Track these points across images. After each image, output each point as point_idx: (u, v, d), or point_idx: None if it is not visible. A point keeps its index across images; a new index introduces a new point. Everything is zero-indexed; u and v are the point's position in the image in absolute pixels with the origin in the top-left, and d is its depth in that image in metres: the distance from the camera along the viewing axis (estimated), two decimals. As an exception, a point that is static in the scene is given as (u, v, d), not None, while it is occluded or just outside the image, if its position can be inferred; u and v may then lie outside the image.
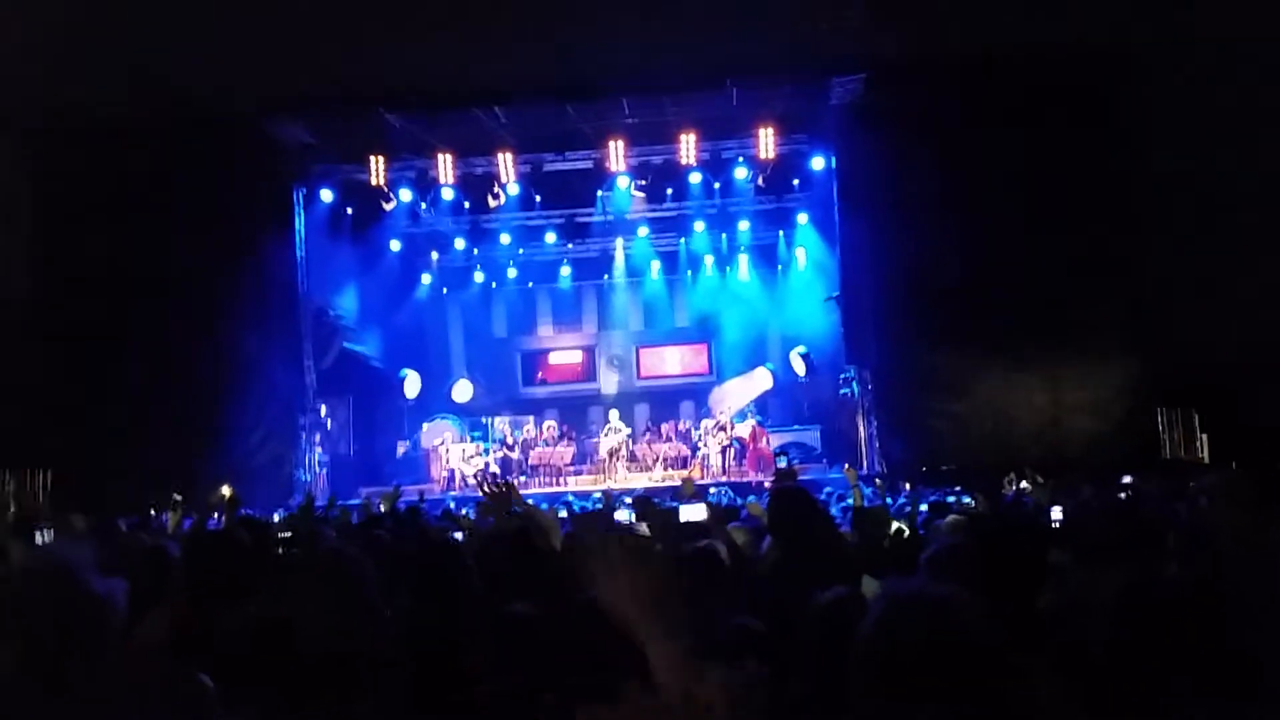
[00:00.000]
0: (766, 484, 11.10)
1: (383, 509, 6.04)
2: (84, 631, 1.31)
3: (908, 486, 10.75)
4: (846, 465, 8.24)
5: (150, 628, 2.28)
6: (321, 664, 1.70)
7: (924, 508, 6.50)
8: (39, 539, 4.31)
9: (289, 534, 4.83)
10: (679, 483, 13.87)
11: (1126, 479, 8.43)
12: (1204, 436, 12.71)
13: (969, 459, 12.29)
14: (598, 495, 10.70)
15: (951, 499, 7.72)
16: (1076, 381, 13.31)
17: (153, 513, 7.76)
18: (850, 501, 6.08)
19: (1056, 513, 5.08)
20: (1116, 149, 13.09)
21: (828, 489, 9.14)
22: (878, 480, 10.17)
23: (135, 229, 13.29)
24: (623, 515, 5.90)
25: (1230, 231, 11.49)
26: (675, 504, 5.60)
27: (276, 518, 7.88)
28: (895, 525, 4.78)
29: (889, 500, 8.01)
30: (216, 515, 5.68)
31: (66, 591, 1.31)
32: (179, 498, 6.81)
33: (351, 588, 1.77)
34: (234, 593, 2.53)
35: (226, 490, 8.28)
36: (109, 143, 13.27)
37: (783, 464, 10.08)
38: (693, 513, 5.14)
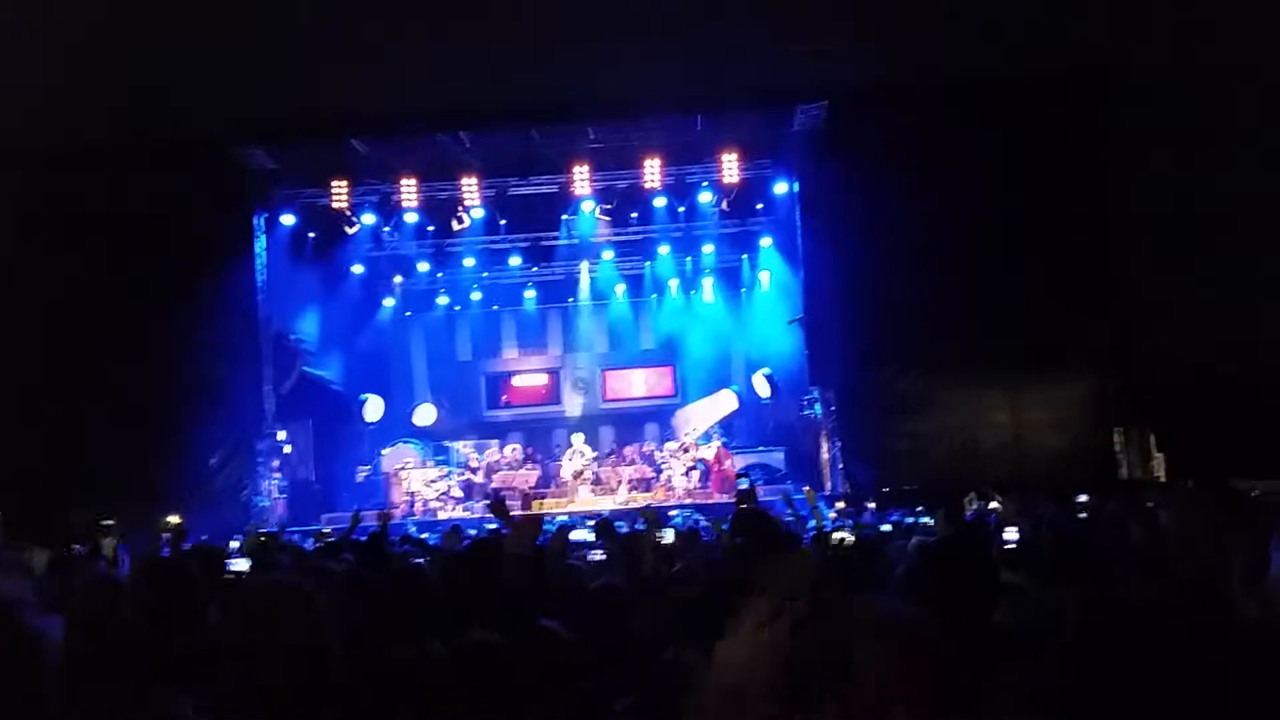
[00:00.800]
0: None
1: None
2: (19, 670, 1.28)
3: (872, 506, 10.82)
4: (807, 488, 8.29)
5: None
6: (269, 694, 1.68)
7: (886, 527, 6.55)
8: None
9: (243, 561, 4.75)
10: (643, 505, 13.84)
11: (1083, 498, 8.55)
12: (1160, 456, 12.93)
13: (931, 479, 12.40)
14: (563, 517, 10.64)
15: (910, 520, 7.78)
16: (1037, 401, 13.51)
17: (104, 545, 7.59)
18: (812, 522, 6.12)
19: (1011, 533, 5.13)
20: (1077, 174, 13.37)
21: (789, 512, 9.16)
22: (840, 502, 10.22)
23: (93, 251, 13.10)
24: (581, 534, 5.91)
25: (1190, 253, 11.75)
26: (638, 528, 5.60)
27: (234, 544, 7.75)
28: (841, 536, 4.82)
29: (850, 521, 8.04)
30: (163, 543, 5.58)
31: (3, 629, 1.29)
32: (109, 523, 6.67)
33: (298, 619, 1.74)
34: (181, 623, 2.48)
35: (174, 519, 8.13)
36: (68, 164, 13.10)
37: (744, 485, 10.09)
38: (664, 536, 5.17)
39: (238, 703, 1.72)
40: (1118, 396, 13.22)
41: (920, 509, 8.95)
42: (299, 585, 1.81)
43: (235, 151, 13.51)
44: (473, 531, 9.67)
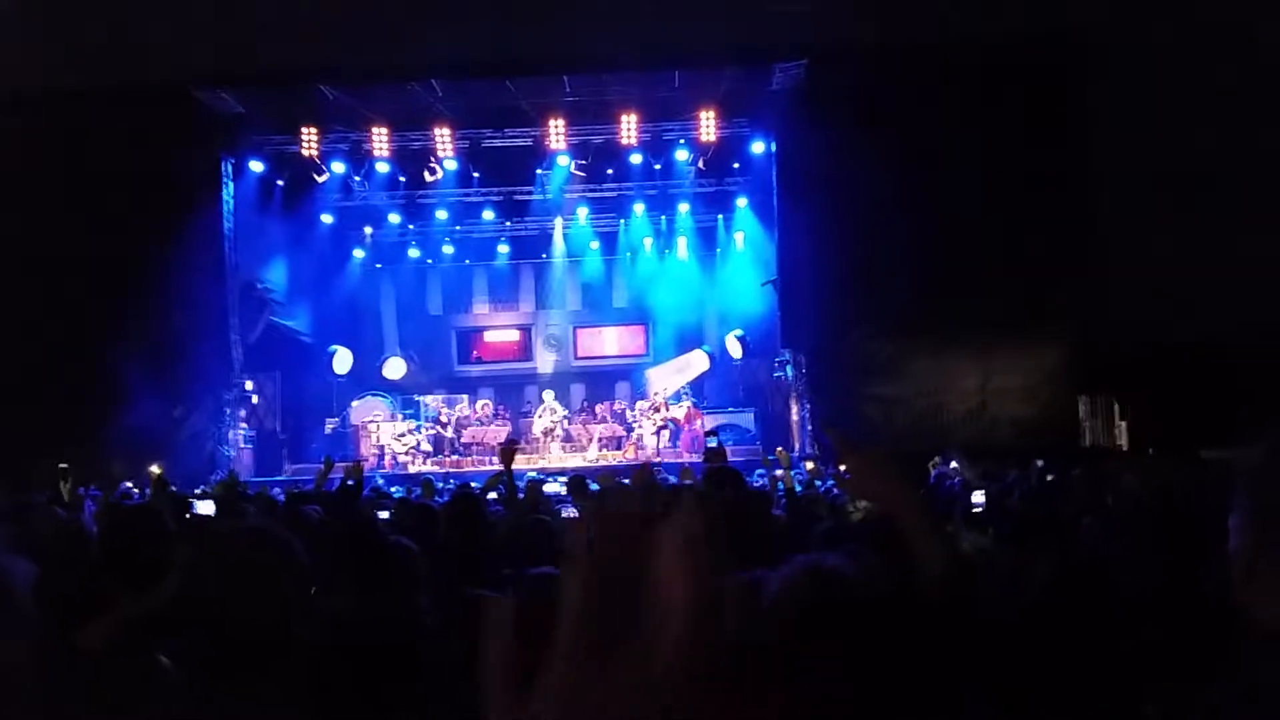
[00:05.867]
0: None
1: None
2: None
3: (841, 468, 10.91)
4: (779, 449, 8.33)
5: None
6: (243, 646, 1.65)
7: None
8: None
9: (209, 510, 4.70)
10: (613, 463, 13.89)
11: (1046, 464, 8.67)
12: (1123, 424, 13.14)
13: (898, 442, 12.53)
14: (533, 473, 10.64)
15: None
16: (1004, 367, 13.66)
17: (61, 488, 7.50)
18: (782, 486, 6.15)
19: (978, 497, 5.19)
20: (1055, 141, 13.40)
21: (759, 471, 9.21)
22: (809, 464, 10.30)
23: (56, 197, 12.78)
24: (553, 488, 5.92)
25: (1161, 223, 11.85)
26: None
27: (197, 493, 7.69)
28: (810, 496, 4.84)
29: (819, 484, 8.11)
30: (139, 492, 5.52)
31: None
32: (64, 466, 6.59)
33: (278, 567, 1.71)
34: (152, 570, 2.44)
35: (155, 469, 8.06)
36: (29, 109, 12.71)
37: (712, 443, 10.11)
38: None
39: (209, 650, 1.69)
40: (1083, 365, 13.39)
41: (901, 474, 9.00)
42: (277, 532, 1.77)
43: (201, 95, 13.17)
44: (441, 485, 9.65)
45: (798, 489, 5.63)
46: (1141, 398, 12.64)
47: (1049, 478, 6.77)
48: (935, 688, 1.68)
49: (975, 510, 5.16)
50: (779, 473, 5.93)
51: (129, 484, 9.64)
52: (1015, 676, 2.70)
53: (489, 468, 14.80)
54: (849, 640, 1.39)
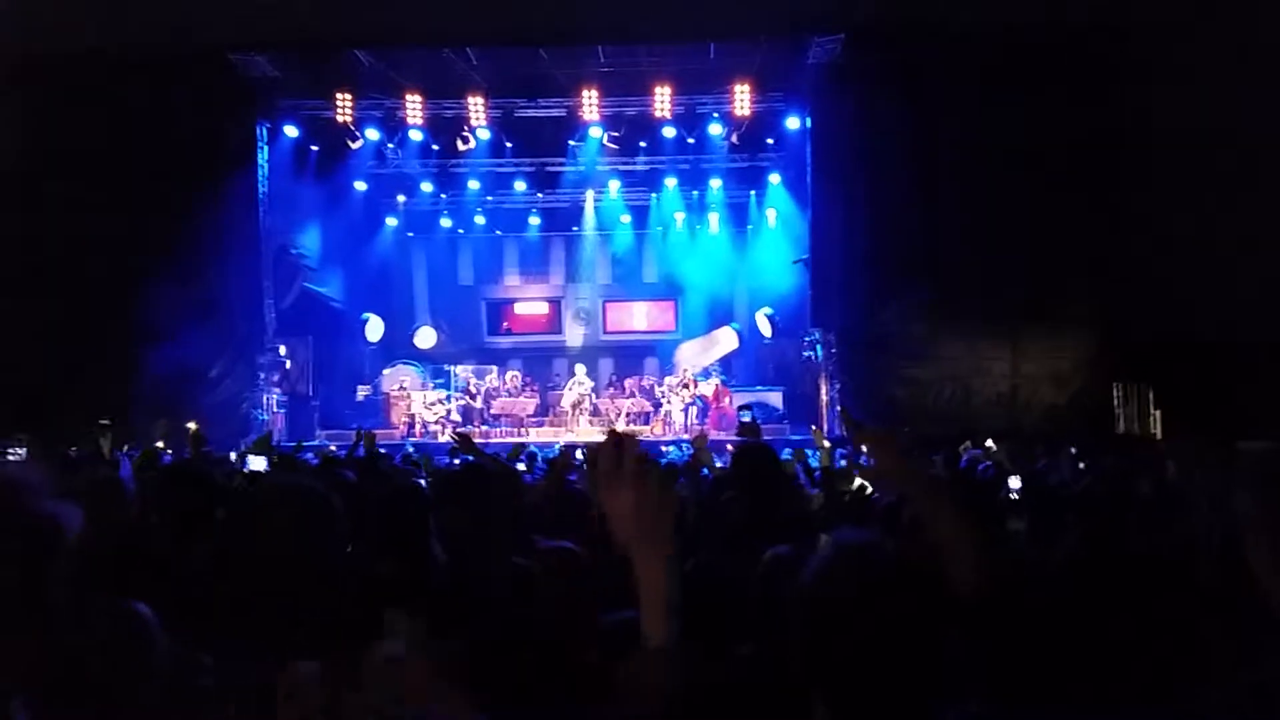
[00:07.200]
0: (729, 446, 11.17)
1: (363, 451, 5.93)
2: (34, 551, 1.25)
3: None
4: (813, 426, 8.29)
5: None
6: (286, 601, 1.66)
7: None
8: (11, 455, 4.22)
9: (260, 460, 4.76)
10: (641, 438, 13.87)
11: (1081, 451, 8.57)
12: (1157, 413, 12.96)
13: (927, 424, 12.43)
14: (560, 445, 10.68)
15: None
16: (1037, 353, 13.49)
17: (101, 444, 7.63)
18: (816, 462, 6.13)
19: (1015, 482, 5.14)
20: (1094, 125, 13.14)
21: (787, 451, 9.17)
22: (826, 443, 10.24)
23: (92, 160, 12.88)
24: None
25: (1198, 210, 11.60)
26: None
27: (232, 456, 7.78)
28: (858, 483, 4.82)
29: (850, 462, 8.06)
30: (169, 452, 5.59)
31: (17, 509, 1.26)
32: (105, 423, 6.69)
33: (322, 523, 1.72)
34: (195, 525, 2.47)
35: (193, 426, 8.18)
36: (66, 75, 12.80)
37: (746, 418, 10.08)
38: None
39: (247, 607, 1.70)
40: (1118, 352, 13.19)
41: (915, 454, 8.96)
42: (318, 488, 1.78)
43: (236, 59, 13.20)
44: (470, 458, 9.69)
45: (835, 466, 5.60)
46: (1177, 386, 12.45)
47: (1081, 465, 6.69)
48: (965, 670, 1.67)
49: (1012, 496, 5.11)
50: (826, 444, 5.91)
51: (160, 444, 9.78)
52: (1050, 661, 2.68)
53: (518, 439, 14.88)
54: (886, 620, 1.38)
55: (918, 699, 1.39)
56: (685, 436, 14.68)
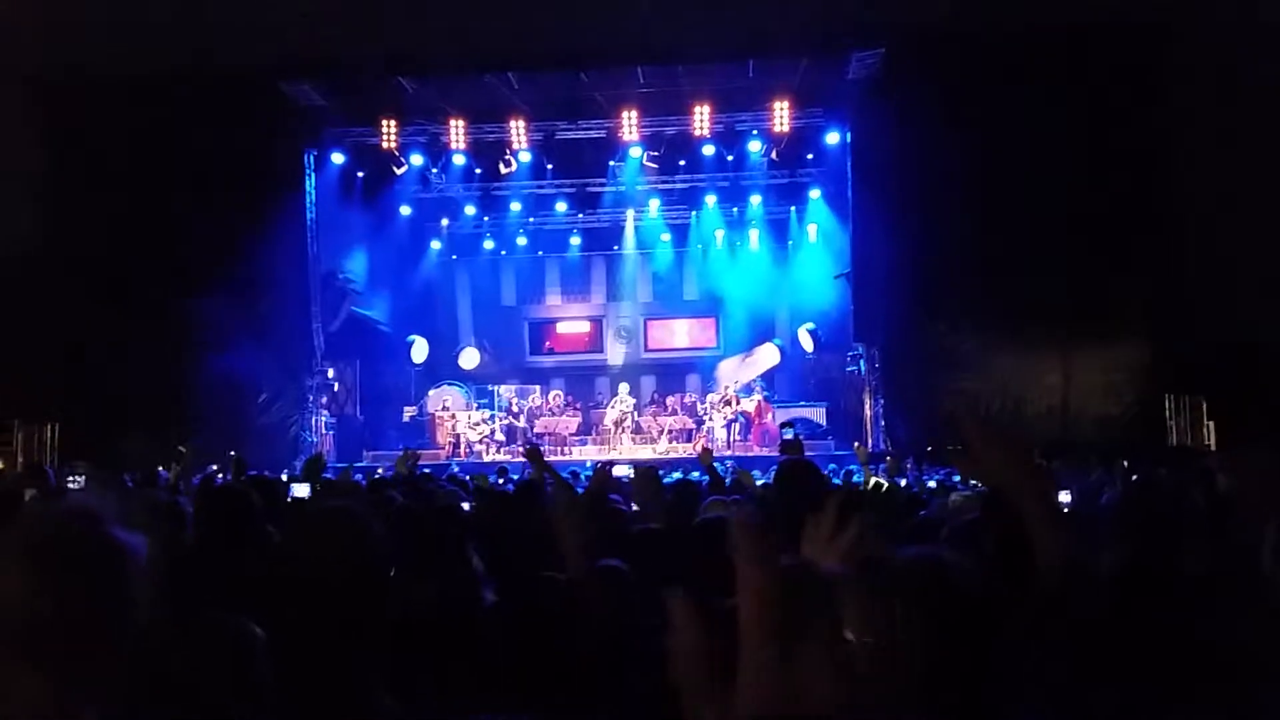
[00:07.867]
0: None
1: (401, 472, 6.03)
2: (112, 579, 1.30)
3: (909, 465, 10.73)
4: (856, 444, 8.22)
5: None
6: (330, 621, 1.70)
7: (931, 484, 6.49)
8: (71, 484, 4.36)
9: (304, 487, 4.85)
10: (683, 455, 13.90)
11: (1132, 463, 8.40)
12: (1210, 424, 12.65)
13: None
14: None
15: (956, 479, 7.71)
16: (1087, 365, 13.26)
17: (160, 470, 7.79)
18: (859, 479, 6.08)
19: (1065, 496, 5.06)
20: (1139, 132, 12.94)
21: (831, 466, 9.12)
22: (889, 458, 10.15)
23: (144, 185, 13.22)
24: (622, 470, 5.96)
25: (1250, 219, 11.36)
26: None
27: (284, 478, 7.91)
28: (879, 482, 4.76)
29: (898, 480, 7.99)
30: (222, 475, 5.71)
31: (93, 538, 1.30)
32: (183, 449, 6.83)
33: (360, 547, 1.76)
34: (243, 547, 2.53)
35: (234, 452, 8.34)
36: (119, 97, 13.16)
37: (789, 435, 10.02)
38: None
39: (294, 627, 1.74)
40: (1169, 363, 12.92)
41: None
42: (357, 511, 1.82)
43: (284, 87, 13.50)
44: (516, 477, 9.77)
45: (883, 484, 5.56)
46: (1230, 397, 12.14)
47: (1134, 477, 6.56)
48: (1031, 681, 1.66)
49: (1064, 509, 5.03)
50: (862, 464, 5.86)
51: (214, 467, 9.98)
52: (1106, 674, 2.64)
53: (561, 459, 14.95)
54: (961, 634, 1.38)
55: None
56: (729, 453, 14.64)
